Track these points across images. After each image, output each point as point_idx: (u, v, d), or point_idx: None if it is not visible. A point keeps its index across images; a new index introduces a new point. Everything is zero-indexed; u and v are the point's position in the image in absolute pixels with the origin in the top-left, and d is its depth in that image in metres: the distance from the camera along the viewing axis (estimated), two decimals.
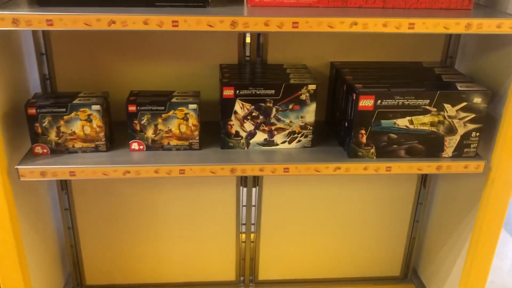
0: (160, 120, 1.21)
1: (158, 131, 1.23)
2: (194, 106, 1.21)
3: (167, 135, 1.23)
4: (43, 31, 1.30)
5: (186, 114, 1.21)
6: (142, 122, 1.21)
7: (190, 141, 1.25)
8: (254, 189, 1.58)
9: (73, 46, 1.33)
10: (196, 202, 1.59)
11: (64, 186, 1.51)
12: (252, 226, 1.65)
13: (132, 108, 1.20)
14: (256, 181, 1.57)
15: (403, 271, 1.78)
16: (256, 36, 1.37)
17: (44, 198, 1.50)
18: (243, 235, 1.66)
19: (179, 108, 1.20)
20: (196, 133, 1.24)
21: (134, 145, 1.24)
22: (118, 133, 1.31)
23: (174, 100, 1.21)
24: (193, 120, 1.22)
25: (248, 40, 1.39)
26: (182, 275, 1.70)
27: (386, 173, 1.25)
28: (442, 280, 1.60)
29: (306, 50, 1.41)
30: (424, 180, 1.61)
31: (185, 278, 1.71)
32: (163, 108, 1.20)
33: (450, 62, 1.45)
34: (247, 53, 1.39)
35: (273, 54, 1.40)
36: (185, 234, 1.63)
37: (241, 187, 1.57)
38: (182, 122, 1.22)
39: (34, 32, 1.31)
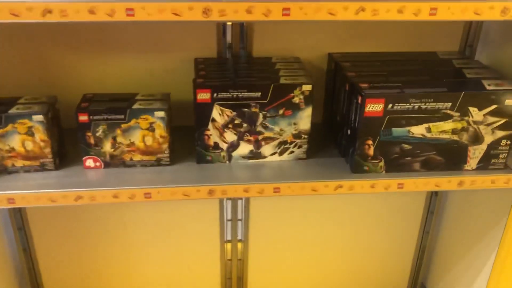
0: (119, 131, 0.98)
1: (117, 145, 0.99)
2: (161, 113, 0.97)
3: (129, 149, 1.00)
4: None
5: (151, 123, 0.98)
6: (97, 135, 0.98)
7: (158, 155, 1.02)
8: (240, 201, 1.36)
9: (10, 39, 1.08)
10: (172, 217, 1.36)
11: None
12: (239, 243, 1.43)
13: (83, 117, 0.96)
14: None
15: (411, 287, 1.59)
16: (240, 22, 1.13)
17: None
18: (229, 253, 1.44)
19: (142, 117, 0.97)
20: (165, 146, 1.01)
21: (89, 162, 1.01)
22: (72, 144, 1.07)
23: (136, 106, 0.98)
24: (160, 131, 0.99)
25: (228, 24, 1.15)
26: None
27: (398, 191, 1.03)
28: None
29: (298, 39, 1.17)
30: None
31: None
32: (122, 116, 0.97)
33: (470, 51, 1.22)
34: (228, 43, 1.15)
35: (260, 44, 1.16)
36: (160, 254, 1.42)
37: (225, 199, 1.35)
38: (147, 133, 0.99)
39: None
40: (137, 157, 1.01)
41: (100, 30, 1.10)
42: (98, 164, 1.01)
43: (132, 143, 0.99)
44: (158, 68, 1.15)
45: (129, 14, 0.80)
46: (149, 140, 0.99)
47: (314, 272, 1.51)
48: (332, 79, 1.15)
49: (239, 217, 1.39)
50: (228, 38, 1.14)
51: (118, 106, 0.97)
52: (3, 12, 0.77)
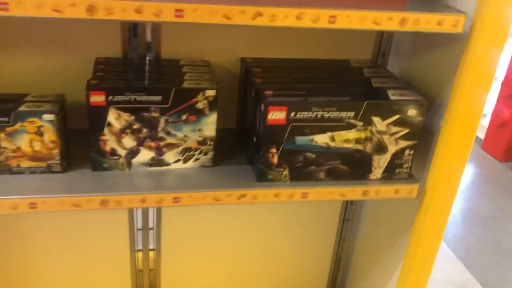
0: (3, 135, 0.90)
1: (2, 150, 0.91)
2: (50, 116, 0.90)
3: (15, 154, 0.92)
4: None
5: (39, 127, 0.90)
6: None
7: (48, 162, 0.94)
8: (151, 209, 1.30)
9: None
10: (77, 225, 1.28)
11: None
12: (151, 253, 1.37)
13: None
14: None
15: None
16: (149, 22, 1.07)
17: None
18: (140, 263, 1.38)
19: (28, 120, 0.89)
20: (56, 151, 0.93)
21: None
22: None
23: (23, 108, 0.90)
24: (50, 136, 0.91)
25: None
26: None
27: (302, 200, 1.01)
28: None
29: (210, 42, 1.13)
30: None
31: None
32: (6, 119, 0.89)
33: (382, 60, 1.23)
34: (134, 44, 1.09)
35: (168, 46, 1.11)
36: (66, 265, 1.33)
37: (135, 207, 1.29)
38: (35, 137, 0.91)
39: None
40: (25, 164, 0.93)
41: None
42: None
43: (19, 148, 0.91)
44: (56, 66, 1.07)
45: (2, 9, 0.73)
46: (37, 145, 0.92)
47: (229, 281, 1.48)
48: (244, 85, 1.12)
49: (150, 225, 1.33)
50: (134, 38, 1.08)
51: (3, 108, 0.89)
52: None
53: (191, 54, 1.13)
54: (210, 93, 0.96)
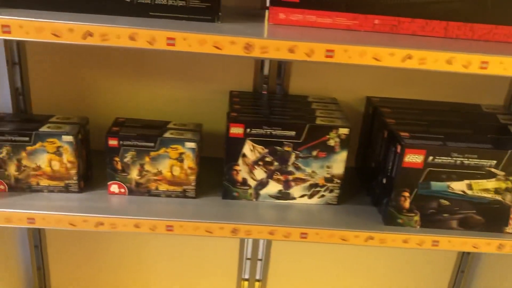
0: (147, 159, 0.96)
1: (144, 173, 0.97)
2: (192, 144, 0.95)
3: (155, 177, 0.98)
4: None
5: (181, 154, 0.95)
6: (125, 160, 0.96)
7: (184, 187, 0.99)
8: (261, 240, 1.31)
9: (52, 57, 1.09)
10: (191, 249, 1.32)
11: None
12: (257, 283, 1.38)
13: (113, 142, 0.94)
14: None
15: None
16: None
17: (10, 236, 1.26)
18: None
19: (172, 146, 0.95)
20: (193, 178, 0.98)
21: (114, 188, 0.99)
22: (99, 167, 1.05)
23: (167, 135, 0.96)
24: (189, 162, 0.96)
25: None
26: None
27: (431, 248, 0.97)
28: None
29: (336, 80, 1.14)
30: None
31: None
32: (152, 144, 0.95)
33: None
34: (265, 79, 1.13)
35: (297, 82, 1.14)
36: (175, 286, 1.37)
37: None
38: (176, 163, 0.96)
39: None
40: (163, 187, 0.98)
41: (139, 55, 1.09)
42: (122, 190, 0.99)
43: (160, 172, 0.97)
44: (193, 97, 1.13)
45: (169, 44, 0.78)
46: (176, 171, 0.97)
47: None
48: (369, 124, 1.11)
49: (260, 256, 1.33)
50: (265, 73, 1.12)
51: (149, 134, 0.95)
52: (45, 32, 0.77)
53: (317, 91, 1.15)
54: (343, 131, 0.96)
